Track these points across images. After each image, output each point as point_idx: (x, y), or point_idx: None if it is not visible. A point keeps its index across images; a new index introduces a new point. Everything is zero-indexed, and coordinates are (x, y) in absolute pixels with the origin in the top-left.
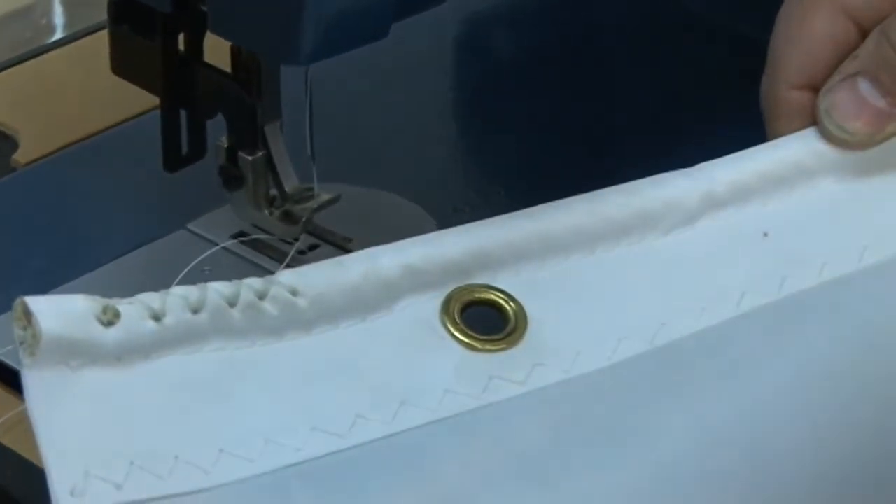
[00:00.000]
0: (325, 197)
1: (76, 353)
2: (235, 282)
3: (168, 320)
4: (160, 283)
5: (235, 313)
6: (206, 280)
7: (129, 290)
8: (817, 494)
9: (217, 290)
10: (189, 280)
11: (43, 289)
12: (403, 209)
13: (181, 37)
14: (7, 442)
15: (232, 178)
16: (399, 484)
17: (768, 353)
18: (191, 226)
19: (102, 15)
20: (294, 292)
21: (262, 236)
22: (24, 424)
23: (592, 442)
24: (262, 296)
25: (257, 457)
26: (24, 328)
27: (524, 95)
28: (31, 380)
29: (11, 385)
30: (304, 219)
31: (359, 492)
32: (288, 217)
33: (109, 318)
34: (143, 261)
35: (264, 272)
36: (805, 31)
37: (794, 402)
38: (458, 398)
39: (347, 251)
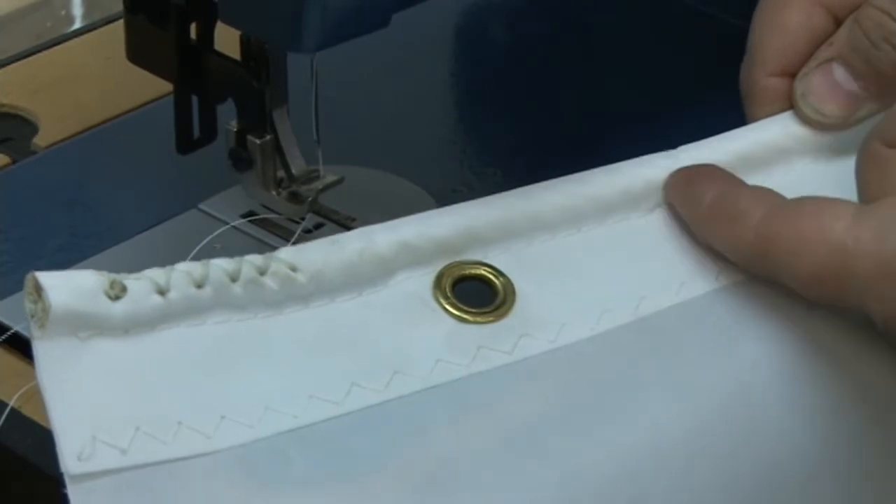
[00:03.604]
0: (329, 178)
1: (85, 325)
2: (237, 258)
3: (173, 295)
4: (173, 260)
5: (237, 288)
6: (217, 257)
7: (144, 267)
8: (804, 457)
9: (220, 266)
10: (200, 257)
11: (60, 266)
12: (405, 190)
13: (193, 26)
14: (26, 411)
15: (241, 160)
16: (392, 449)
17: (745, 325)
18: (202, 206)
19: (119, 6)
20: (293, 268)
21: (269, 215)
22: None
23: (578, 409)
24: (262, 271)
25: (257, 423)
26: (35, 302)
27: (520, 82)
28: (41, 350)
29: (30, 357)
30: (309, 199)
31: (353, 456)
32: (294, 197)
33: (117, 293)
34: (157, 239)
35: (272, 250)
36: (782, 21)
37: (772, 371)
38: (449, 367)
39: (351, 230)
